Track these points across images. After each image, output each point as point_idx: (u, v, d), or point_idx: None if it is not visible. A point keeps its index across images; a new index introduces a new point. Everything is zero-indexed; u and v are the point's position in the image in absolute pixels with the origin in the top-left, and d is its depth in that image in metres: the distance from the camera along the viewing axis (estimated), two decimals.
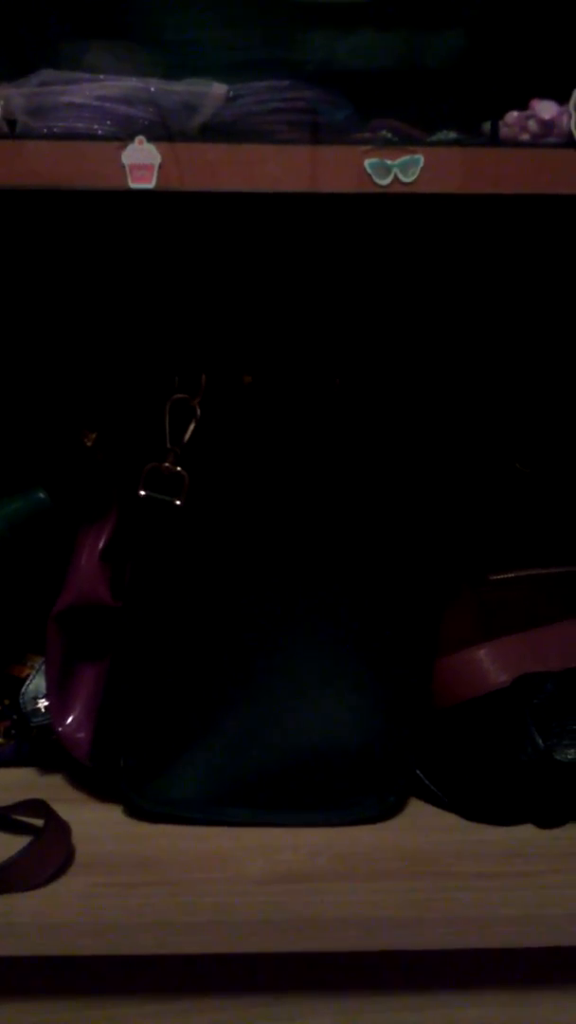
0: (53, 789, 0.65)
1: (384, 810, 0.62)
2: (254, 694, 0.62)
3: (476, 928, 0.53)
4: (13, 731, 0.68)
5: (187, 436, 0.61)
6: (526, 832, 0.60)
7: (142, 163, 0.46)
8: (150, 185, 0.46)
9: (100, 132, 0.47)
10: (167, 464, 0.61)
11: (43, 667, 0.65)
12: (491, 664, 0.64)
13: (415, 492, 0.64)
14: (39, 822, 0.57)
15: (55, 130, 0.47)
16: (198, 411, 0.61)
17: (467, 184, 0.47)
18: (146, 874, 0.56)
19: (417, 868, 0.57)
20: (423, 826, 0.61)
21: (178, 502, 0.61)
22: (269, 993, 0.56)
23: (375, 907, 0.53)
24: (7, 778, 0.66)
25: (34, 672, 0.66)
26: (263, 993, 0.56)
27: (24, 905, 0.53)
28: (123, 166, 0.46)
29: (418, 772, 0.63)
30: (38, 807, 0.58)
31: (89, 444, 0.63)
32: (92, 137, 0.47)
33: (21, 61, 0.51)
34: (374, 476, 0.64)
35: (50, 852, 0.55)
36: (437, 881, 0.55)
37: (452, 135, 0.49)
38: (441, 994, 0.56)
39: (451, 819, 0.62)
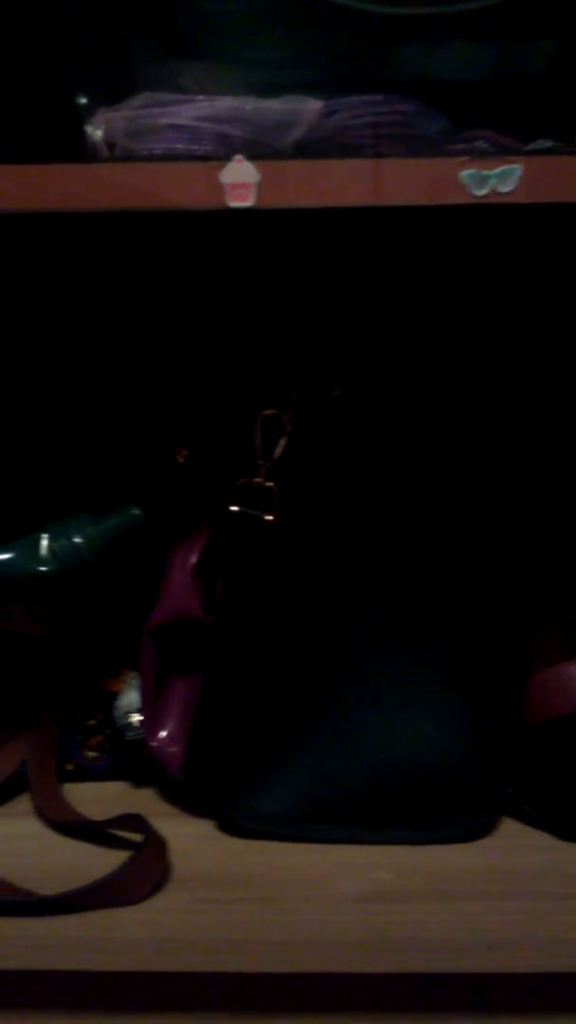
0: (145, 803, 0.65)
1: (475, 829, 0.61)
2: (344, 711, 0.62)
3: (571, 950, 0.52)
4: (107, 745, 0.68)
5: (278, 451, 0.61)
6: None
7: (240, 182, 0.46)
8: (249, 203, 0.46)
9: (199, 152, 0.47)
10: (258, 479, 0.61)
11: (136, 682, 0.66)
12: None
13: (507, 507, 0.63)
14: (135, 836, 0.58)
15: (155, 151, 0.47)
16: (288, 426, 0.61)
17: (566, 192, 0.47)
18: (242, 890, 0.56)
19: (510, 889, 0.55)
20: (516, 846, 0.60)
21: (269, 517, 0.61)
22: (365, 1013, 0.55)
23: (469, 929, 0.52)
24: (100, 792, 0.67)
25: (127, 686, 0.67)
26: (358, 1013, 0.55)
27: (124, 920, 0.53)
28: (221, 185, 0.47)
29: (510, 791, 0.62)
30: (135, 822, 0.58)
31: (181, 460, 0.64)
32: (191, 157, 0.48)
33: (116, 85, 0.52)
34: (465, 491, 0.63)
35: (149, 867, 0.56)
36: (531, 902, 0.54)
37: (548, 144, 0.48)
38: (537, 1018, 0.54)
39: (544, 839, 0.61)
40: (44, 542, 0.62)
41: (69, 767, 0.69)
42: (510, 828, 0.62)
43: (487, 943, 0.52)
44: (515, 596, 0.63)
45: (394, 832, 0.60)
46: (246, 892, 0.55)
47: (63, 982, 0.54)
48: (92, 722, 0.69)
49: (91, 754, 0.69)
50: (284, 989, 0.54)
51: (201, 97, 0.48)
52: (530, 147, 0.48)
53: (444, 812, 0.60)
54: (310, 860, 0.58)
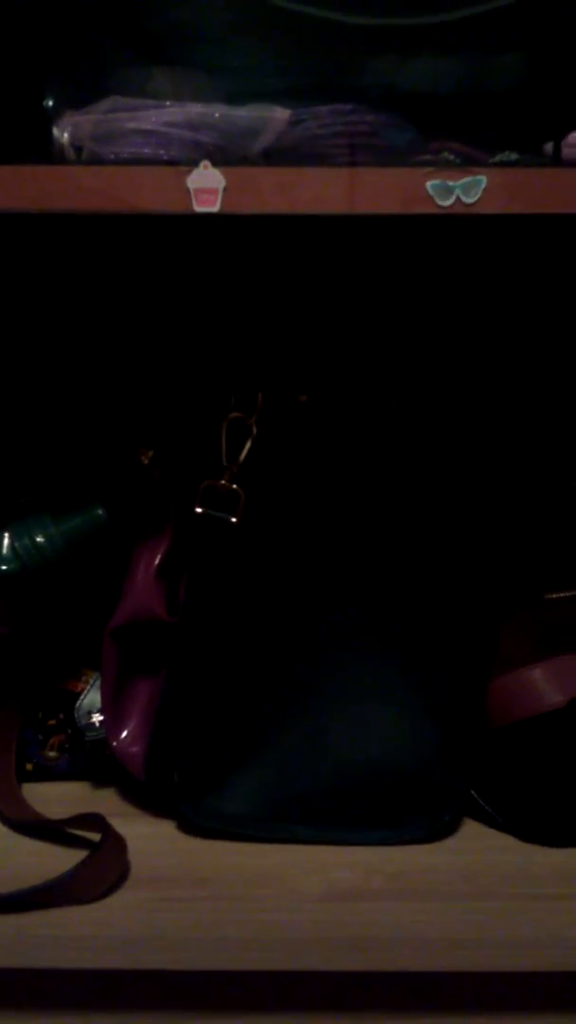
0: (106, 803, 0.65)
1: (438, 830, 0.61)
2: (308, 712, 0.62)
3: (533, 950, 0.53)
4: (67, 745, 0.68)
5: (243, 454, 0.62)
6: None
7: (207, 187, 0.46)
8: (215, 209, 0.47)
9: (165, 157, 0.48)
10: (223, 482, 0.62)
11: (98, 682, 0.66)
12: (546, 684, 0.63)
13: (470, 512, 0.64)
14: (94, 836, 0.58)
15: (122, 155, 0.48)
16: (254, 429, 0.62)
17: (529, 204, 0.47)
18: (202, 889, 0.56)
19: (472, 889, 0.56)
20: (478, 847, 0.61)
21: (234, 519, 0.62)
22: (324, 1011, 0.55)
23: (431, 927, 0.53)
24: (61, 792, 0.67)
25: (88, 687, 0.67)
26: (317, 1011, 0.55)
27: (80, 918, 0.53)
28: (188, 190, 0.47)
29: (473, 792, 0.63)
30: (94, 821, 0.59)
31: (146, 462, 0.64)
32: (158, 162, 0.48)
33: (85, 89, 0.51)
34: (428, 495, 0.64)
35: (107, 866, 0.56)
36: (493, 902, 0.55)
37: (514, 156, 0.49)
38: (498, 1016, 0.55)
39: (506, 840, 0.61)
40: (6, 540, 0.62)
41: (29, 767, 0.68)
42: (472, 829, 0.63)
43: (449, 941, 0.53)
44: (478, 600, 0.64)
45: (357, 832, 0.61)
46: (207, 891, 0.56)
47: (19, 980, 0.54)
48: (52, 722, 0.68)
49: (51, 754, 0.68)
50: (244, 986, 0.55)
51: (168, 103, 0.48)
52: (496, 159, 0.49)
53: (407, 813, 0.61)
54: (272, 860, 0.59)
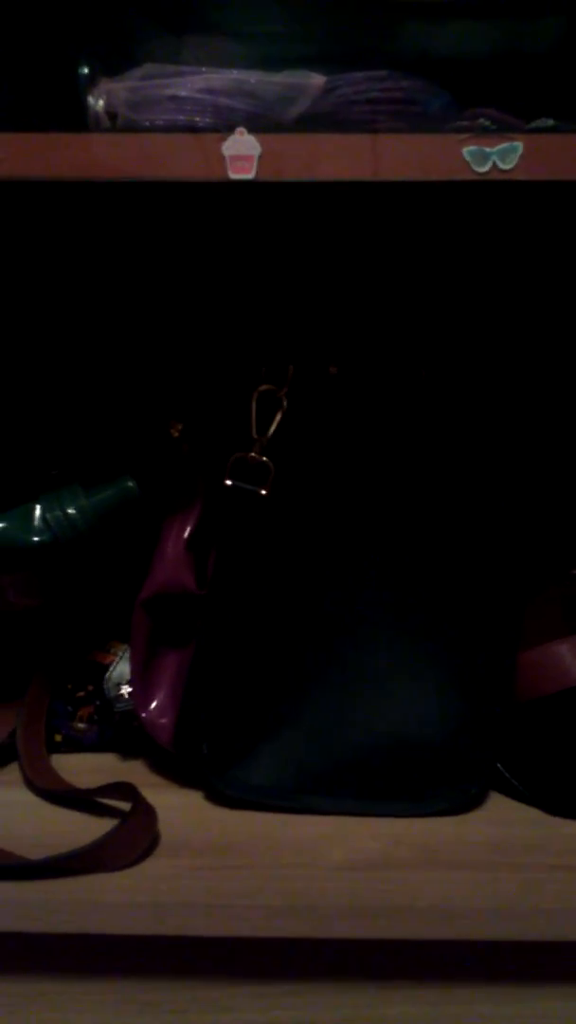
0: (133, 774, 0.66)
1: (465, 802, 0.61)
2: (336, 684, 0.63)
3: (558, 920, 0.53)
4: (96, 716, 0.69)
5: (273, 427, 0.62)
6: None
7: (242, 154, 0.46)
8: (250, 176, 0.47)
9: (200, 124, 0.48)
10: (253, 454, 0.62)
11: (127, 654, 0.66)
12: (573, 659, 0.63)
13: (500, 485, 0.64)
14: (124, 805, 0.58)
15: (157, 123, 0.47)
16: (284, 402, 0.62)
17: (566, 171, 0.47)
18: (229, 858, 0.56)
19: (497, 859, 0.57)
20: (503, 819, 0.61)
21: (263, 492, 0.62)
22: (349, 979, 0.56)
23: (455, 897, 0.53)
24: (89, 763, 0.68)
25: (117, 659, 0.67)
26: (342, 978, 0.56)
27: (113, 885, 0.54)
28: (223, 157, 0.47)
29: (499, 766, 0.63)
30: (126, 790, 0.59)
31: (176, 435, 0.64)
32: (193, 129, 0.48)
33: (119, 57, 0.51)
34: (459, 468, 0.63)
35: (139, 834, 0.56)
36: (517, 873, 0.55)
37: (550, 122, 0.49)
38: (522, 985, 0.56)
39: (532, 813, 0.61)
40: (37, 512, 0.63)
41: (58, 738, 0.69)
42: (499, 802, 0.63)
43: (476, 911, 0.53)
44: (507, 575, 0.64)
45: (385, 804, 0.61)
46: (235, 859, 0.56)
47: (50, 944, 0.55)
48: (82, 694, 0.69)
49: (80, 725, 0.69)
50: (273, 953, 0.55)
51: (204, 69, 0.48)
52: (532, 125, 0.49)
53: (433, 785, 0.61)
54: (299, 830, 0.59)
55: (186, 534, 0.63)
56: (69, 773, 0.65)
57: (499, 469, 0.64)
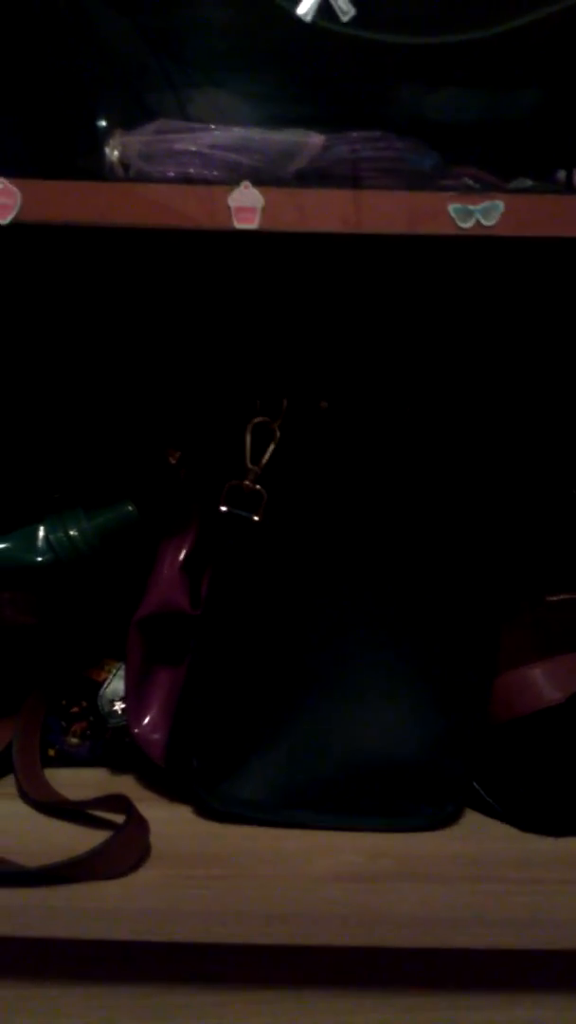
0: (124, 788, 0.68)
1: (443, 819, 0.64)
2: (321, 703, 0.65)
3: (529, 929, 0.55)
4: (88, 732, 0.71)
5: (267, 456, 0.65)
6: None
7: (246, 206, 0.50)
8: (253, 226, 0.50)
9: (209, 176, 0.51)
10: (247, 482, 0.65)
11: (120, 671, 0.69)
12: (546, 682, 0.66)
13: (478, 514, 0.67)
14: (117, 817, 0.60)
15: (168, 174, 0.51)
16: (277, 433, 0.65)
17: (542, 228, 0.51)
18: (218, 868, 0.58)
19: (474, 872, 0.59)
20: (479, 835, 0.63)
21: (256, 518, 0.65)
22: (332, 985, 0.58)
23: (435, 907, 0.56)
24: (81, 777, 0.70)
25: (111, 676, 0.69)
26: (325, 985, 0.58)
27: (107, 892, 0.56)
28: (229, 208, 0.50)
29: (475, 784, 0.66)
30: (119, 802, 0.61)
31: (173, 462, 0.67)
32: (202, 181, 0.51)
33: (131, 111, 0.55)
34: (439, 498, 0.66)
35: (132, 843, 0.58)
36: (493, 885, 0.57)
37: (529, 183, 0.52)
38: (498, 992, 0.58)
39: (506, 829, 0.64)
40: (41, 533, 0.65)
41: (51, 752, 0.71)
42: (474, 819, 0.66)
43: (451, 920, 0.55)
44: (484, 600, 0.67)
45: (367, 819, 0.63)
46: (225, 869, 0.58)
47: (45, 950, 0.57)
48: (76, 709, 0.71)
49: (74, 740, 0.71)
50: (260, 960, 0.57)
51: (212, 126, 0.52)
52: (512, 185, 0.53)
53: (412, 802, 0.64)
54: (285, 843, 0.62)
55: (181, 556, 0.66)
56: (61, 787, 0.67)
57: (477, 499, 0.67)
